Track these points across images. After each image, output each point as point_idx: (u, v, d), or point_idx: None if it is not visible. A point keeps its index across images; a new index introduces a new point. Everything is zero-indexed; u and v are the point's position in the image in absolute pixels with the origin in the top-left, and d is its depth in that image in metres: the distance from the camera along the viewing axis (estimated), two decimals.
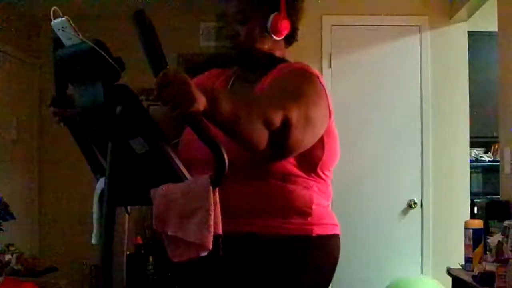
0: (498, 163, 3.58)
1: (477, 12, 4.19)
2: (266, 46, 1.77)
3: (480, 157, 4.93)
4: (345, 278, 4.05)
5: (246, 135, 1.45)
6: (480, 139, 4.79)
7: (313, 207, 1.68)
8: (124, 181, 1.45)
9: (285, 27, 1.76)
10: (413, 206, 4.24)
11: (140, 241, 4.59)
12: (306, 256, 1.67)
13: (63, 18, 1.33)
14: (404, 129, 4.30)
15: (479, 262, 2.78)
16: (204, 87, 1.34)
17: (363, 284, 4.17)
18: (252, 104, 1.46)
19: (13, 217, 3.83)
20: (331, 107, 1.72)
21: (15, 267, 3.88)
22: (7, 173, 4.60)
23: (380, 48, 4.32)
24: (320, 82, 1.70)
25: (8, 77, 4.74)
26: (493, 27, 3.63)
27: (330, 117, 1.71)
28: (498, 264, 2.47)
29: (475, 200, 3.83)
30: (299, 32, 1.86)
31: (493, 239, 2.72)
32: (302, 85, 1.64)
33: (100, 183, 1.64)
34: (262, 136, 1.47)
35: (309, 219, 1.67)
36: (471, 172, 4.44)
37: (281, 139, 1.52)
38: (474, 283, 2.62)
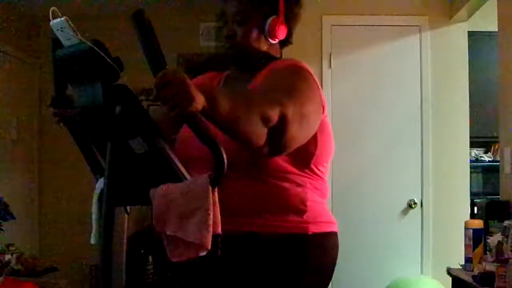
0: (498, 163, 3.58)
1: (477, 12, 4.19)
2: (261, 47, 1.80)
3: (480, 157, 4.93)
4: (345, 278, 4.05)
5: (245, 133, 1.45)
6: (480, 139, 4.79)
7: (308, 203, 1.69)
8: (123, 181, 1.45)
9: (282, 31, 1.79)
10: (413, 206, 4.24)
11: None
12: (305, 256, 1.67)
13: (62, 18, 1.33)
14: (404, 129, 4.29)
15: (479, 262, 2.78)
16: (203, 87, 1.34)
17: (363, 284, 4.17)
18: (250, 102, 1.47)
19: (13, 217, 3.83)
20: (324, 101, 1.73)
21: (15, 267, 3.88)
22: (7, 173, 4.60)
23: (380, 48, 4.32)
24: (312, 77, 1.72)
25: (8, 77, 4.75)
26: (493, 27, 3.62)
27: (323, 112, 1.72)
28: (498, 264, 2.46)
29: (475, 200, 3.83)
30: (299, 32, 1.87)
31: (493, 239, 2.72)
32: (295, 81, 1.65)
33: (100, 183, 1.65)
34: (260, 134, 1.47)
35: (304, 216, 1.68)
36: (471, 172, 4.44)
37: (278, 135, 1.52)
38: (474, 283, 2.62)
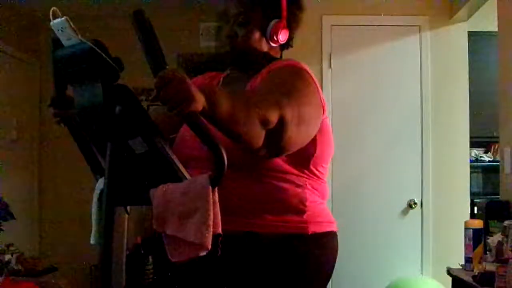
0: (498, 163, 3.58)
1: (477, 12, 4.19)
2: (260, 49, 1.80)
3: (480, 157, 4.94)
4: (345, 278, 4.05)
5: (244, 134, 1.45)
6: (480, 139, 4.79)
7: (307, 204, 1.69)
8: (123, 181, 1.45)
9: (283, 35, 1.80)
10: (413, 206, 4.24)
11: (140, 241, 4.59)
12: (305, 255, 1.67)
13: (63, 18, 1.33)
14: (404, 129, 4.30)
15: (479, 262, 2.78)
16: (203, 87, 1.34)
17: (363, 284, 4.17)
18: (249, 103, 1.47)
19: (13, 217, 3.83)
20: (324, 102, 1.73)
21: (15, 267, 3.88)
22: (7, 173, 4.60)
23: (380, 48, 4.32)
24: (312, 78, 1.72)
25: (8, 77, 4.74)
26: (493, 27, 3.62)
27: (323, 113, 1.72)
28: (498, 264, 2.46)
29: (475, 200, 3.83)
30: (299, 32, 1.88)
31: (493, 239, 2.72)
32: (294, 82, 1.65)
33: (100, 183, 1.65)
34: (259, 135, 1.47)
35: (304, 216, 1.68)
36: (471, 172, 4.44)
37: (277, 137, 1.52)
38: (474, 283, 2.62)
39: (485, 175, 4.92)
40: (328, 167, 1.81)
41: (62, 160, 4.85)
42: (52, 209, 5.14)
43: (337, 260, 1.78)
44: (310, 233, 1.68)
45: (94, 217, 1.66)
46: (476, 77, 4.42)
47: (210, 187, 1.33)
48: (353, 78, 4.32)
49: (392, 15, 4.30)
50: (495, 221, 2.96)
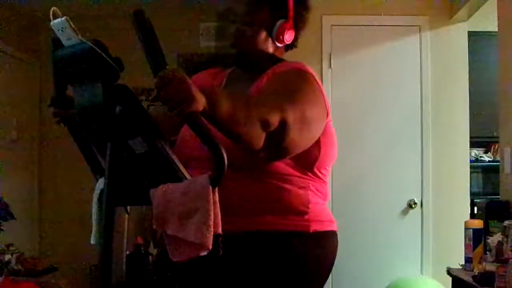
0: (498, 163, 3.58)
1: (477, 12, 4.19)
2: (266, 49, 1.80)
3: (480, 157, 4.94)
4: (345, 278, 4.06)
5: (244, 135, 1.45)
6: (480, 139, 4.79)
7: (310, 206, 1.69)
8: (123, 181, 1.45)
9: (290, 36, 1.80)
10: (413, 206, 4.24)
11: (140, 241, 4.59)
12: (304, 251, 1.67)
13: (63, 18, 1.33)
14: (404, 129, 4.30)
15: (479, 262, 2.78)
16: (203, 87, 1.34)
17: (363, 284, 4.17)
18: (250, 105, 1.46)
19: (13, 217, 3.82)
20: (328, 106, 1.72)
21: (15, 267, 3.88)
22: (7, 173, 4.59)
23: (380, 48, 4.33)
24: (316, 82, 1.71)
25: (8, 77, 4.74)
26: (493, 27, 3.62)
27: (327, 116, 1.72)
28: (498, 264, 2.46)
29: (475, 200, 3.83)
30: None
31: (493, 239, 2.72)
32: (298, 85, 1.64)
33: (100, 183, 1.65)
34: (259, 137, 1.47)
35: (306, 216, 1.68)
36: (471, 172, 4.44)
37: (278, 140, 1.52)
38: (474, 283, 2.62)
39: (485, 175, 4.92)
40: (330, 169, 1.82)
41: (62, 160, 4.84)
42: (52, 209, 5.13)
43: (337, 260, 1.79)
44: (311, 231, 1.68)
45: (94, 217, 1.66)
46: (476, 77, 4.42)
47: (210, 187, 1.33)
48: (353, 78, 4.32)
49: (392, 15, 4.30)
50: (495, 221, 2.96)
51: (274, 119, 1.46)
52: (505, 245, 2.60)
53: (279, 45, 1.81)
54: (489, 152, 4.97)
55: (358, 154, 4.20)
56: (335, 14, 4.33)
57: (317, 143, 1.69)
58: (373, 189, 4.26)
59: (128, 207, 1.61)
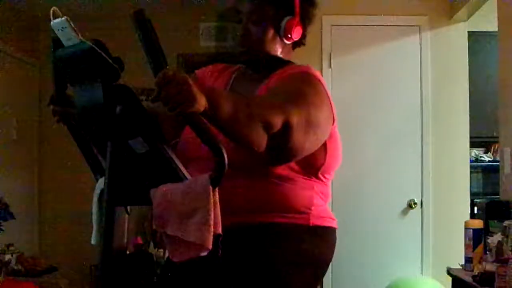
0: (498, 163, 3.58)
1: (477, 12, 4.19)
2: (275, 47, 1.78)
3: (480, 157, 4.94)
4: (345, 278, 4.06)
5: (245, 137, 1.45)
6: (480, 139, 4.79)
7: (312, 208, 1.69)
8: (124, 181, 1.45)
9: (297, 32, 1.78)
10: (413, 206, 4.24)
11: (140, 241, 4.59)
12: (303, 243, 1.67)
13: (63, 18, 1.33)
14: (404, 129, 4.30)
15: (479, 262, 2.78)
16: (204, 88, 1.34)
17: (363, 284, 4.17)
18: (252, 106, 1.46)
19: (13, 217, 3.83)
20: (335, 113, 1.71)
21: (15, 267, 3.88)
22: (7, 173, 4.60)
23: (380, 48, 4.32)
24: (323, 86, 1.70)
25: (8, 77, 4.74)
26: (493, 27, 3.62)
27: (333, 123, 1.71)
28: (498, 264, 2.46)
29: (475, 200, 3.83)
30: None
31: (493, 239, 2.72)
32: (305, 89, 1.63)
33: (100, 183, 1.64)
34: (261, 139, 1.47)
35: (307, 215, 1.69)
36: (471, 172, 4.44)
37: (281, 143, 1.52)
38: (474, 283, 2.62)
39: (485, 175, 4.92)
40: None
41: (62, 160, 4.84)
42: (52, 209, 5.13)
43: (337, 260, 1.79)
44: (311, 224, 1.68)
45: (94, 217, 1.66)
46: (476, 77, 4.42)
47: (211, 187, 1.33)
48: (353, 78, 4.32)
49: (392, 15, 4.30)
50: (495, 221, 2.96)
51: (277, 121, 1.46)
52: (505, 245, 2.60)
53: (287, 42, 1.79)
54: (489, 152, 4.96)
55: (358, 154, 4.20)
56: (335, 14, 4.33)
57: (324, 148, 1.68)
58: (373, 189, 4.26)
59: (128, 207, 1.61)
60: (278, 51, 1.79)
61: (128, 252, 4.36)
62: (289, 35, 1.76)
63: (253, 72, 1.81)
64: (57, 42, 1.39)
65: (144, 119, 1.38)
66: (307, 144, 1.60)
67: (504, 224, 2.69)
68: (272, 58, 1.78)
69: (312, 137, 1.61)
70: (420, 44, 4.30)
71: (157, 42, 1.31)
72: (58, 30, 1.35)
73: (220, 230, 1.35)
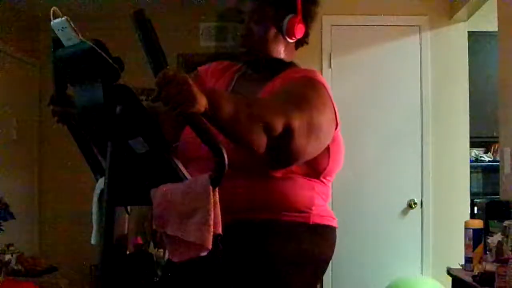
0: (498, 163, 3.58)
1: (477, 12, 4.19)
2: (278, 47, 1.78)
3: (480, 157, 4.94)
4: (345, 277, 4.06)
5: (245, 137, 1.45)
6: (480, 139, 4.79)
7: (313, 208, 1.70)
8: (124, 181, 1.45)
9: (300, 30, 1.77)
10: (413, 206, 4.24)
11: (140, 241, 4.59)
12: (303, 240, 1.67)
13: (63, 18, 1.33)
14: (404, 129, 4.30)
15: (479, 262, 2.78)
16: (205, 88, 1.34)
17: (363, 284, 4.17)
18: (253, 107, 1.46)
19: (13, 217, 3.83)
20: (338, 117, 1.71)
21: (15, 267, 3.88)
22: (7, 173, 4.60)
23: (380, 48, 4.32)
24: (327, 91, 1.70)
25: (8, 77, 4.74)
26: (493, 27, 3.62)
27: (336, 127, 1.71)
28: (498, 264, 2.46)
29: (475, 200, 3.83)
30: None
31: (493, 239, 2.72)
32: (308, 93, 1.63)
33: (100, 183, 1.64)
34: (261, 140, 1.46)
35: (307, 214, 1.69)
36: (471, 172, 4.44)
37: (284, 146, 1.52)
38: (474, 283, 2.62)
39: (485, 175, 4.92)
40: None
41: (62, 160, 4.84)
42: (52, 209, 5.13)
43: (337, 260, 1.79)
44: (311, 223, 1.68)
45: (94, 217, 1.65)
46: (476, 77, 4.42)
47: (211, 187, 1.33)
48: (353, 78, 4.32)
49: (392, 15, 4.30)
50: (495, 221, 2.96)
51: (278, 123, 1.45)
52: (505, 245, 2.60)
53: (290, 41, 1.78)
54: (489, 152, 4.96)
55: (358, 154, 4.20)
56: (335, 14, 4.33)
57: (327, 152, 1.68)
58: (373, 189, 4.26)
59: (128, 207, 1.61)
60: (281, 51, 1.78)
61: (128, 252, 4.39)
62: (292, 34, 1.75)
63: (256, 73, 1.80)
64: (57, 42, 1.39)
65: (144, 119, 1.38)
66: (309, 148, 1.60)
67: (504, 224, 2.69)
68: (274, 60, 1.77)
69: (314, 141, 1.60)
70: (420, 44, 4.31)
71: (157, 42, 1.31)
72: (58, 30, 1.35)
73: (220, 230, 1.35)
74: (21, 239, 4.45)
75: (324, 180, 1.74)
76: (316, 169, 1.68)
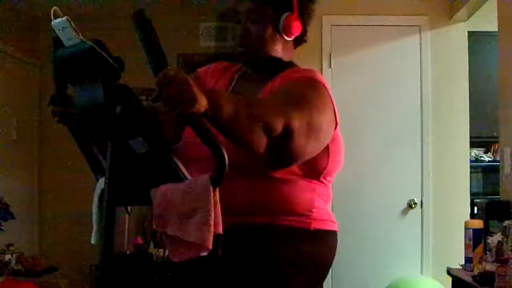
0: (498, 163, 3.58)
1: (477, 12, 4.19)
2: (276, 46, 1.77)
3: (480, 157, 4.94)
4: (345, 278, 4.06)
5: (245, 137, 1.45)
6: (480, 139, 4.79)
7: (314, 210, 1.69)
8: (124, 181, 1.45)
9: (297, 28, 1.76)
10: (413, 206, 4.24)
11: (140, 241, 4.59)
12: (303, 247, 1.67)
13: (63, 18, 1.33)
14: (404, 129, 4.30)
15: (479, 262, 2.78)
16: (205, 88, 1.34)
17: (363, 284, 4.17)
18: (253, 107, 1.46)
19: (13, 217, 3.83)
20: (338, 117, 1.71)
21: (15, 267, 3.88)
22: (7, 173, 4.60)
23: (380, 48, 4.32)
24: (327, 91, 1.70)
25: (8, 77, 4.74)
26: (493, 27, 3.62)
27: (335, 127, 1.71)
28: (498, 264, 2.46)
29: (475, 200, 3.83)
30: None
31: (493, 239, 2.72)
32: (308, 93, 1.63)
33: (100, 183, 1.64)
34: (261, 140, 1.47)
35: (308, 217, 1.68)
36: (471, 172, 4.44)
37: (283, 146, 1.52)
38: (474, 283, 2.62)
39: (485, 175, 4.92)
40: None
41: (62, 160, 4.84)
42: (52, 209, 5.13)
43: (337, 260, 1.79)
44: (312, 229, 1.68)
45: (94, 217, 1.65)
46: (476, 77, 4.42)
47: (211, 187, 1.33)
48: (353, 78, 4.31)
49: (392, 15, 4.30)
50: (495, 221, 2.96)
51: (278, 123, 1.45)
52: (505, 245, 2.60)
53: (287, 39, 1.77)
54: (489, 152, 4.96)
55: (358, 154, 4.20)
56: (335, 14, 4.33)
57: (327, 152, 1.68)
58: (373, 189, 4.26)
59: (129, 207, 1.61)
60: (279, 50, 1.78)
61: (128, 252, 4.39)
62: (289, 32, 1.75)
63: (255, 73, 1.80)
64: (57, 42, 1.39)
65: (144, 119, 1.38)
66: (309, 148, 1.60)
67: (504, 224, 2.69)
68: (273, 59, 1.77)
69: (314, 141, 1.60)
70: (420, 44, 4.30)
71: (157, 42, 1.31)
72: (59, 30, 1.35)
73: (220, 230, 1.35)
74: (21, 239, 4.45)
75: (324, 181, 1.73)
76: (315, 169, 1.68)
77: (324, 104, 1.65)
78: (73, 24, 1.33)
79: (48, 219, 5.16)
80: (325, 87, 1.70)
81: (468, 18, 4.28)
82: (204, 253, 1.35)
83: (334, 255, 1.77)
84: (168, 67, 1.29)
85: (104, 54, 1.33)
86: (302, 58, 1.88)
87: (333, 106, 1.70)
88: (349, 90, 4.26)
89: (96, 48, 1.32)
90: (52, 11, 1.33)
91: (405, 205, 4.25)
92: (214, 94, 1.36)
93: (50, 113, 1.67)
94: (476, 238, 2.91)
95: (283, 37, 1.77)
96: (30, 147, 5.16)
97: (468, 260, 2.94)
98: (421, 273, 4.20)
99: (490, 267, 2.53)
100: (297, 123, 1.50)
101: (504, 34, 3.41)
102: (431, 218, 4.24)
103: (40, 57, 5.14)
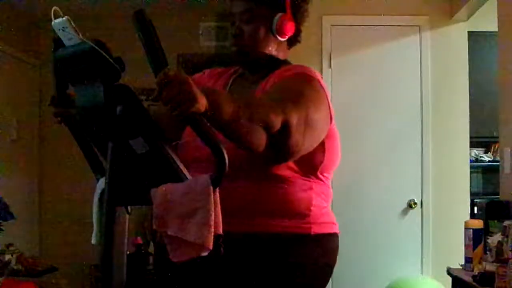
0: (498, 163, 3.58)
1: (477, 12, 4.19)
2: (269, 47, 1.78)
3: (480, 157, 4.93)
4: (345, 278, 4.05)
5: (245, 137, 1.45)
6: (480, 139, 4.79)
7: (312, 208, 1.69)
8: (124, 181, 1.45)
9: (290, 28, 1.77)
10: (413, 206, 4.24)
11: (140, 241, 4.59)
12: (305, 254, 1.67)
13: (64, 18, 1.33)
14: (404, 129, 4.30)
15: (479, 262, 2.78)
16: (205, 88, 1.34)
17: (363, 284, 4.17)
18: (252, 107, 1.46)
19: (13, 217, 3.82)
20: (332, 111, 1.72)
21: (15, 267, 3.88)
22: (7, 173, 4.60)
23: (380, 48, 4.33)
24: (322, 86, 1.70)
25: (8, 77, 4.74)
26: (493, 27, 3.62)
27: (331, 121, 1.71)
28: (498, 264, 2.46)
29: (475, 200, 3.83)
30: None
31: (493, 239, 2.72)
32: (303, 89, 1.63)
33: (100, 183, 1.64)
34: (261, 139, 1.47)
35: (307, 219, 1.68)
36: (471, 172, 4.44)
37: (281, 142, 1.52)
38: (474, 283, 2.62)
39: (485, 175, 4.92)
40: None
41: (62, 160, 4.84)
42: (52, 209, 5.13)
43: (337, 260, 1.78)
44: (313, 234, 1.68)
45: (94, 217, 1.66)
46: (476, 77, 4.42)
47: (211, 187, 1.33)
48: (353, 78, 4.32)
49: (392, 15, 4.30)
50: (495, 221, 2.96)
51: (277, 121, 1.46)
52: (505, 245, 2.60)
53: (281, 39, 1.78)
54: (489, 152, 4.96)
55: (358, 154, 4.20)
56: (335, 14, 4.33)
57: (322, 147, 1.68)
58: (373, 189, 4.26)
59: (129, 207, 1.61)
60: (273, 50, 1.79)
61: (128, 252, 4.35)
62: (282, 32, 1.76)
63: (250, 73, 1.81)
64: (58, 42, 1.39)
65: (144, 119, 1.38)
66: (305, 143, 1.60)
67: (504, 224, 2.69)
68: (267, 57, 1.78)
69: (310, 136, 1.61)
70: (420, 44, 4.31)
71: (158, 42, 1.31)
72: (59, 30, 1.35)
73: (221, 230, 1.35)
74: (21, 239, 4.45)
75: (322, 178, 1.73)
76: (311, 164, 1.68)
77: (319, 99, 1.66)
78: (73, 24, 1.33)
79: (48, 219, 5.15)
80: (319, 82, 1.71)
81: (468, 18, 4.28)
82: (205, 253, 1.35)
83: (336, 258, 1.77)
84: (168, 67, 1.29)
85: (105, 54, 1.33)
86: (302, 58, 1.88)
87: (328, 100, 1.70)
88: (349, 90, 4.26)
89: (97, 48, 1.32)
90: (52, 11, 1.33)
91: (405, 205, 4.25)
92: (214, 94, 1.36)
93: (50, 113, 1.68)
94: (476, 238, 2.91)
95: (276, 37, 1.77)
96: (30, 147, 5.16)
97: (468, 260, 2.95)
98: (421, 273, 4.20)
99: (490, 267, 2.53)
100: (295, 120, 1.50)
101: (504, 34, 3.41)
102: (431, 218, 4.24)
103: (40, 57, 5.14)
